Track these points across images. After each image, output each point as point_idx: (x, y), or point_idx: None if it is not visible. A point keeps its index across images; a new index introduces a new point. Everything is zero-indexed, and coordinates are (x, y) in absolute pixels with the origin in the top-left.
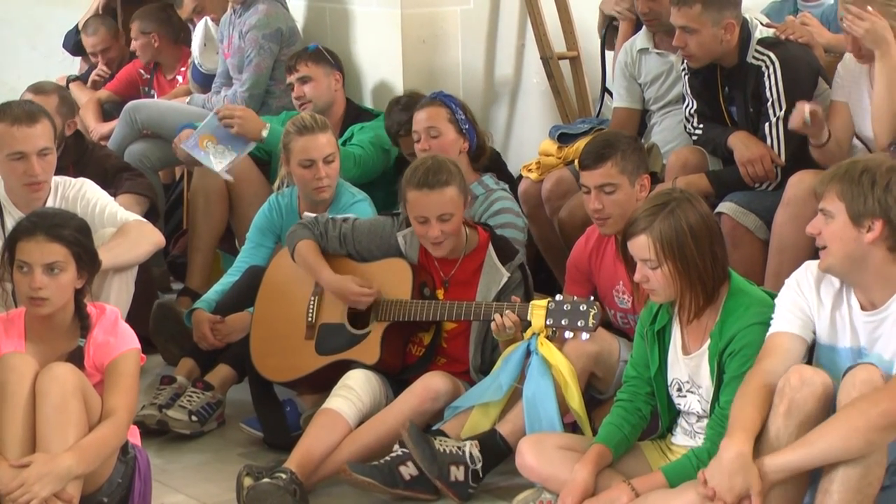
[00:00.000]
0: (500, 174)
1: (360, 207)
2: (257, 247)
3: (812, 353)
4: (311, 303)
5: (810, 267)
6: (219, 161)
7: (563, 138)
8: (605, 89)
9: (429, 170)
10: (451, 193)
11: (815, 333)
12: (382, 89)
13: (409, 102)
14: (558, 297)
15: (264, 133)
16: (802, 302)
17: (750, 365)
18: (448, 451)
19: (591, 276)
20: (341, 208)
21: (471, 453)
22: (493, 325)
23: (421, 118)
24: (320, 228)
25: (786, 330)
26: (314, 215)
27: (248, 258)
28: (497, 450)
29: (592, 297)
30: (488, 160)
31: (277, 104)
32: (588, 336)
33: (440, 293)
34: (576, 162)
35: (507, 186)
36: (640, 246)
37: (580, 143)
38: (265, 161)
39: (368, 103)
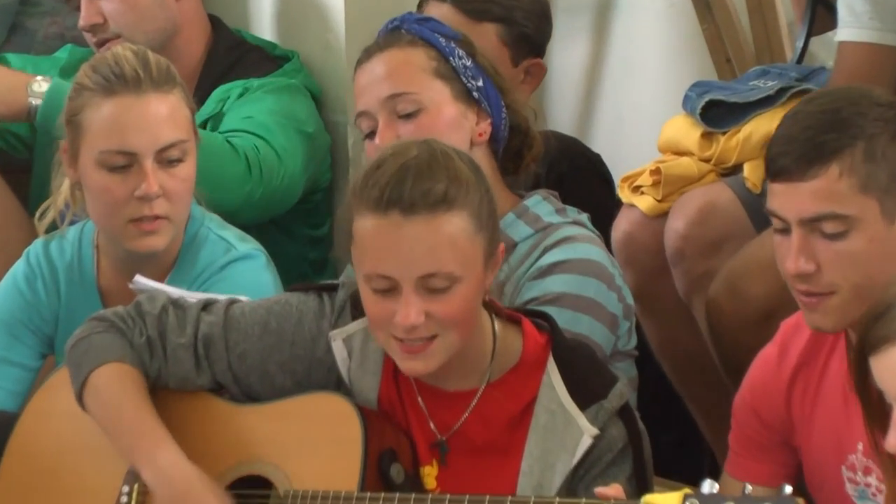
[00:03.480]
0: (579, 194)
1: (243, 273)
2: None
3: None
4: (125, 498)
5: None
6: None
7: (717, 115)
8: (816, 1)
9: (407, 169)
10: (454, 225)
11: None
12: (302, 12)
13: None
14: (707, 485)
15: (35, 89)
16: None
17: None
18: None
19: (790, 434)
20: (199, 275)
21: None
22: None
23: (374, 77)
24: (148, 330)
25: None
26: (122, 309)
27: None
28: None
29: (790, 490)
30: (541, 162)
31: (48, 32)
32: None
33: (429, 473)
34: (746, 169)
35: (586, 219)
36: None
37: (757, 127)
38: (20, 159)
39: (270, 35)
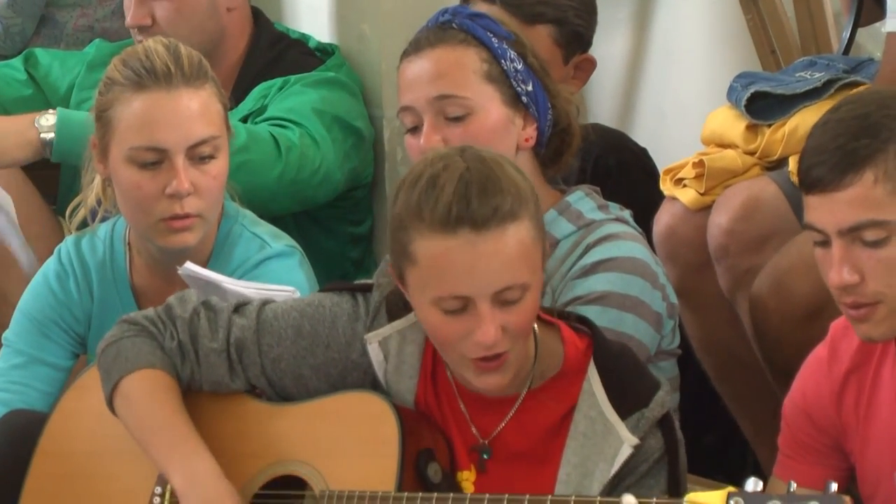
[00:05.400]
0: (625, 188)
1: (276, 271)
2: (29, 365)
3: None
4: (157, 499)
5: None
6: None
7: (763, 107)
8: None
9: (468, 184)
10: (521, 234)
11: None
12: (337, 2)
13: None
14: (751, 483)
15: (44, 123)
16: None
17: None
18: None
19: (842, 438)
20: (233, 273)
21: None
22: None
23: (423, 73)
24: (179, 334)
25: None
26: (149, 311)
27: (9, 392)
28: None
29: (835, 487)
30: (587, 156)
31: (78, 24)
32: None
33: (467, 478)
34: (791, 163)
35: (629, 216)
36: None
37: (803, 120)
38: (48, 164)
39: (305, 26)
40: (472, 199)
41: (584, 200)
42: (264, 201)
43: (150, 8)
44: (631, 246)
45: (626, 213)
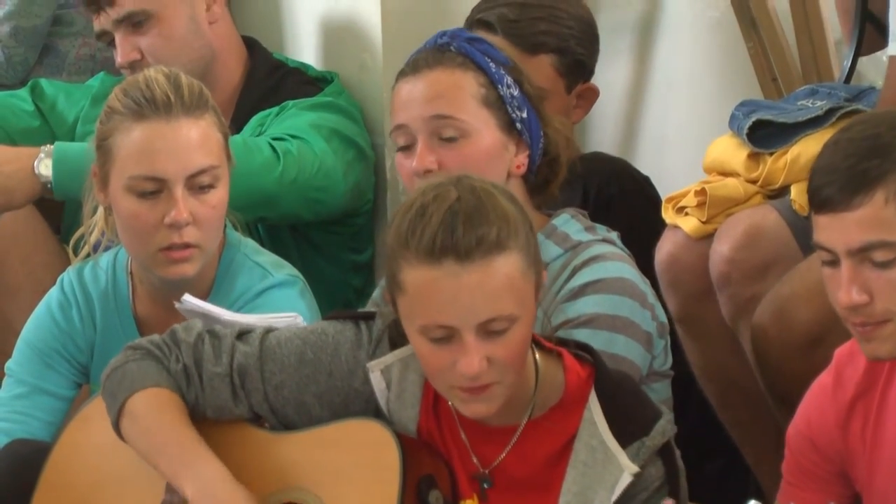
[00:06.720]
0: (628, 217)
1: (278, 300)
2: (32, 394)
3: None
4: None
5: None
6: None
7: (764, 135)
8: (864, 15)
9: (455, 214)
10: (509, 266)
11: None
12: (338, 32)
13: None
14: None
15: (42, 171)
16: None
17: None
18: None
19: (847, 465)
20: (235, 302)
21: None
22: None
23: (419, 93)
24: (184, 357)
25: None
26: (154, 338)
27: (11, 421)
28: None
29: None
30: (589, 184)
31: (80, 53)
32: None
33: None
34: (793, 191)
35: (616, 237)
36: None
37: (805, 148)
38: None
39: (306, 56)
40: (457, 229)
41: (570, 223)
42: (270, 204)
43: (135, 42)
44: (618, 266)
45: (614, 235)
